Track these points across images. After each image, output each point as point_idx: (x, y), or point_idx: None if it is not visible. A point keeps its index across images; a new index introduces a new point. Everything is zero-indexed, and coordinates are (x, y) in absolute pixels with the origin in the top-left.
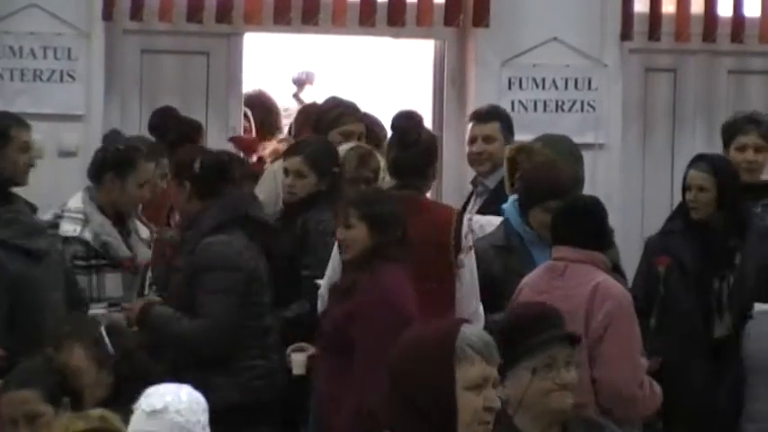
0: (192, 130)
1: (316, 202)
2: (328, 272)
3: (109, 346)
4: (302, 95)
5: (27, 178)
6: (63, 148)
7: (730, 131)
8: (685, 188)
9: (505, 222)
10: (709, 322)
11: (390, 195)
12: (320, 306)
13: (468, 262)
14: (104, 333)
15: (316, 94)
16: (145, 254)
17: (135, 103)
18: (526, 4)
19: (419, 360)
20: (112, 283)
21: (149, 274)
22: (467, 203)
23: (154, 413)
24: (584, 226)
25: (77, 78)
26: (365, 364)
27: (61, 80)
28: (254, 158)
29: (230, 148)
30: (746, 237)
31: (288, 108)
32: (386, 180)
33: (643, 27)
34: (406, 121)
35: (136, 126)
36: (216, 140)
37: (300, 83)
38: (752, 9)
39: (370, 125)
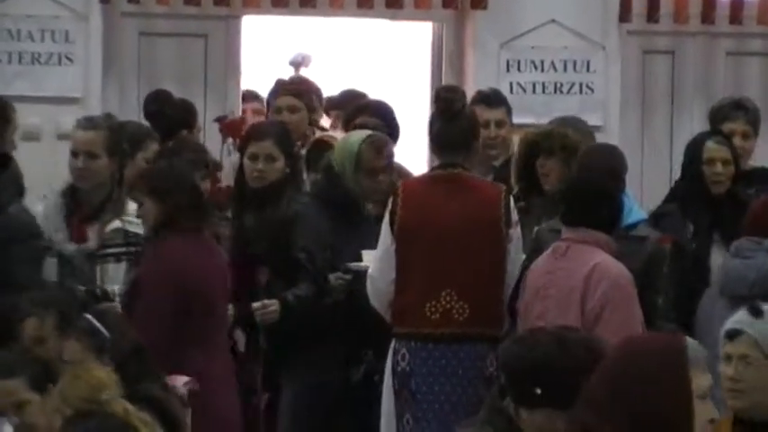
0: (187, 113)
1: (287, 184)
2: (379, 253)
3: (102, 330)
4: None
5: None
6: (61, 131)
7: (717, 117)
8: (703, 162)
9: None
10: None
11: (174, 165)
12: (369, 287)
13: (516, 235)
14: (94, 320)
15: (311, 77)
16: None
17: (133, 85)
18: None
19: (652, 370)
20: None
21: None
22: None
23: None
24: (588, 207)
25: (75, 61)
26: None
27: (59, 63)
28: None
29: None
30: None
31: None
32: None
33: (641, 9)
34: (451, 93)
35: (134, 109)
36: (214, 123)
37: (296, 66)
38: None
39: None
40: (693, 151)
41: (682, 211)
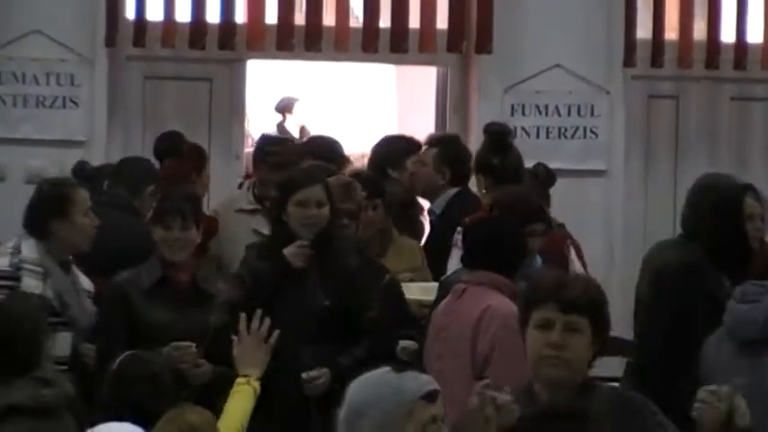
0: (199, 158)
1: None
2: None
3: None
4: (286, 125)
5: None
6: (66, 175)
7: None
8: (744, 218)
9: None
10: None
11: None
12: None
13: None
14: None
15: (298, 122)
16: (91, 308)
17: (138, 129)
18: (529, 31)
19: None
20: (64, 342)
21: None
22: None
23: None
24: (486, 249)
25: (80, 104)
26: None
27: (64, 106)
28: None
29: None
30: None
31: None
32: None
33: (646, 54)
34: (501, 126)
35: (139, 152)
36: (219, 167)
37: (281, 111)
38: (755, 35)
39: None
40: (730, 205)
41: (715, 264)
